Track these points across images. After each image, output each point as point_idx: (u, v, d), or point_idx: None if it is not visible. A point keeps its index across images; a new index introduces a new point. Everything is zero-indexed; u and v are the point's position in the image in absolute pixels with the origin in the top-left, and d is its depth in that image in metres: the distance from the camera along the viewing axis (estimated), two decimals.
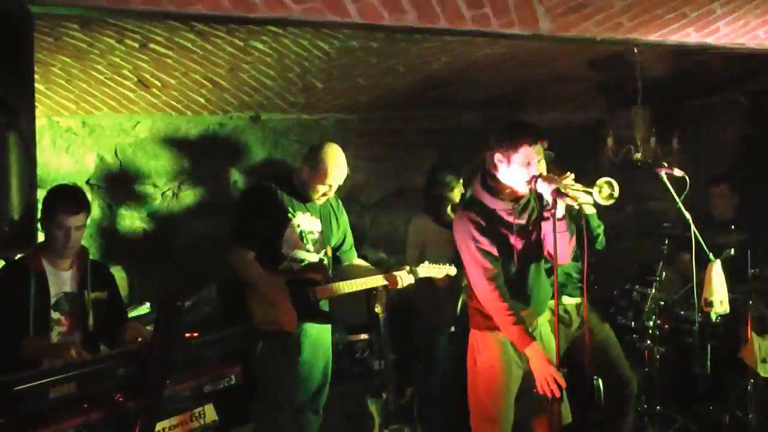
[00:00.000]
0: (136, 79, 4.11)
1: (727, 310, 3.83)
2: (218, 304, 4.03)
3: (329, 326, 3.90)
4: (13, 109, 2.55)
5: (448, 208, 4.53)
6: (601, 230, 3.84)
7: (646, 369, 4.41)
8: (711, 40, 3.63)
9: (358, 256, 4.15)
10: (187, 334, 2.63)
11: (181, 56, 3.86)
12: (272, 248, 3.69)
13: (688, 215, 3.70)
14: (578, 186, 3.02)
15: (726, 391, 4.48)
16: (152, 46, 3.69)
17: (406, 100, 5.05)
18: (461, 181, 4.55)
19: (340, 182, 3.76)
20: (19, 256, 3.10)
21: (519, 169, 3.04)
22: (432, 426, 4.37)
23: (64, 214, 3.07)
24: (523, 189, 3.09)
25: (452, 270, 4.06)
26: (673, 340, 4.57)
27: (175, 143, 4.78)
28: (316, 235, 3.80)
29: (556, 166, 3.27)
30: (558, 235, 2.92)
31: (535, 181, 3.01)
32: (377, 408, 4.07)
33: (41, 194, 3.17)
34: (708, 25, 3.55)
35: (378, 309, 3.88)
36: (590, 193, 3.00)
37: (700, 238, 3.71)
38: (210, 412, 2.66)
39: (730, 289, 3.85)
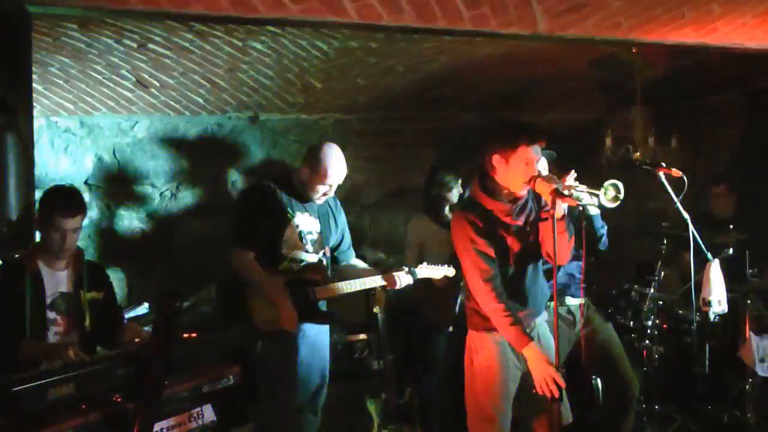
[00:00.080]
0: (134, 79, 4.11)
1: (726, 310, 3.83)
2: (218, 304, 4.03)
3: (327, 327, 3.89)
4: (11, 109, 2.55)
5: (447, 209, 4.53)
6: (604, 231, 3.84)
7: (645, 369, 4.41)
8: (709, 40, 3.64)
9: (357, 257, 4.15)
10: (186, 335, 2.63)
11: (180, 56, 3.86)
12: (272, 249, 3.68)
13: (686, 215, 3.70)
14: (583, 187, 3.02)
15: (724, 391, 4.48)
16: (151, 46, 3.68)
17: (405, 100, 5.05)
18: (460, 181, 4.55)
19: (340, 182, 3.77)
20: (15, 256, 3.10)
21: (517, 170, 3.03)
22: (431, 426, 4.37)
23: (60, 217, 3.06)
24: (521, 190, 3.09)
25: (450, 271, 4.06)
26: (672, 340, 4.57)
27: (173, 143, 4.78)
28: (315, 236, 3.80)
29: (558, 166, 3.27)
30: (557, 236, 2.92)
31: (534, 182, 3.01)
32: (376, 408, 4.07)
33: (39, 195, 3.17)
34: (706, 24, 3.55)
35: (377, 309, 3.88)
36: (596, 195, 2.99)
37: (699, 238, 3.71)
38: (208, 413, 2.66)
39: (729, 289, 3.86)
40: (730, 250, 4.28)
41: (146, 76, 4.07)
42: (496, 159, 3.08)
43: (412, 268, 3.96)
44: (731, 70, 5.05)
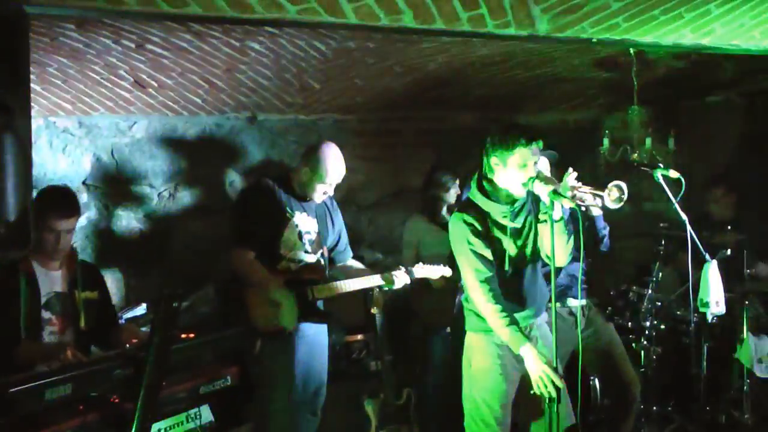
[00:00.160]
0: (132, 80, 4.10)
1: (723, 311, 3.83)
2: (217, 304, 4.03)
3: (326, 327, 3.90)
4: (9, 109, 2.54)
5: (444, 209, 4.54)
6: (606, 232, 3.84)
7: (643, 369, 4.42)
8: (707, 41, 3.63)
9: (355, 257, 4.15)
10: (183, 335, 2.63)
11: (178, 57, 3.85)
12: (271, 248, 3.69)
13: (684, 216, 3.70)
14: (587, 188, 3.02)
15: (722, 392, 4.49)
16: (149, 46, 3.68)
17: (403, 100, 5.04)
18: (458, 181, 4.55)
19: (339, 181, 3.77)
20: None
21: (515, 171, 3.03)
22: (428, 427, 4.37)
23: (55, 218, 3.05)
24: (519, 191, 3.08)
25: (447, 271, 4.07)
26: (670, 341, 4.58)
27: (171, 144, 4.78)
28: (314, 236, 3.80)
29: (559, 167, 3.27)
30: (555, 238, 2.91)
31: (533, 183, 3.01)
32: (374, 408, 4.07)
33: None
34: (704, 26, 3.55)
35: (375, 310, 3.89)
36: (600, 196, 2.99)
37: (697, 239, 3.71)
38: (206, 413, 2.66)
39: (727, 290, 3.86)
40: (728, 251, 4.28)
41: (144, 76, 4.07)
42: (493, 160, 3.08)
43: (409, 268, 3.96)
44: (729, 70, 5.05)
